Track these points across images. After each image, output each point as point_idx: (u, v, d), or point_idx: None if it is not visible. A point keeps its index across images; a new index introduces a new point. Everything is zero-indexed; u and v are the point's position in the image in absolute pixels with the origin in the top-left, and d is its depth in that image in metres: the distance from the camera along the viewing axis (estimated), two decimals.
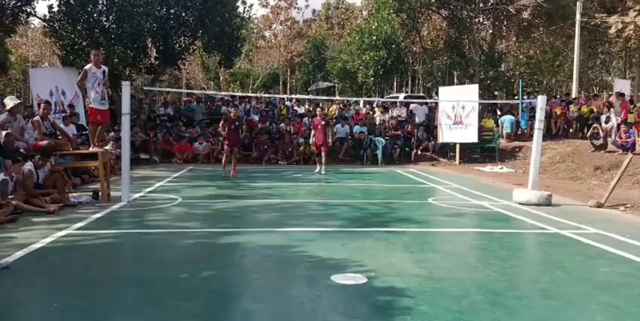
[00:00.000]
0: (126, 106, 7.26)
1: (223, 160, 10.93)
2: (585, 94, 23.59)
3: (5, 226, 5.40)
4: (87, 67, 7.41)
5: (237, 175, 10.63)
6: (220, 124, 11.10)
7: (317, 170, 11.72)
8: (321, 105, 19.53)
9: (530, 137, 13.88)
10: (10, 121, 7.50)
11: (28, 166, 6.63)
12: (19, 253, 4.33)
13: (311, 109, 17.39)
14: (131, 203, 7.08)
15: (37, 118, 7.82)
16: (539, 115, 7.93)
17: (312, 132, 12.20)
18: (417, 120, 16.65)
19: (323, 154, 11.78)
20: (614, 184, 7.61)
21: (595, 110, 15.16)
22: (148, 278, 3.81)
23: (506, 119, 16.00)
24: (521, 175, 11.82)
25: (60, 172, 7.24)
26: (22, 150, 7.39)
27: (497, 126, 15.70)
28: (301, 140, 14.82)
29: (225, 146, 10.99)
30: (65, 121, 10.48)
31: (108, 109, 7.63)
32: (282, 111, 18.15)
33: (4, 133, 7.26)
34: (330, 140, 12.02)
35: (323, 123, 11.77)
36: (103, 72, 7.40)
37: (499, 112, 17.40)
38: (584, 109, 15.55)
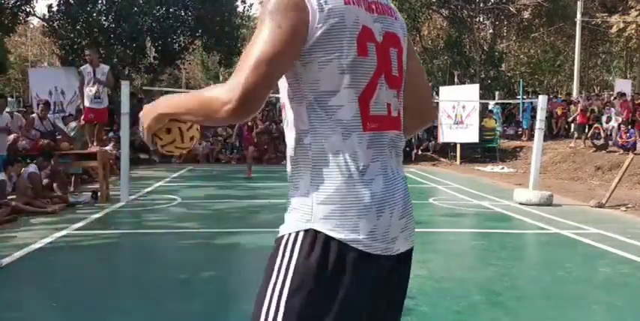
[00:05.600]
0: (125, 106, 7.24)
1: (248, 162, 10.70)
2: (586, 94, 23.55)
3: (4, 227, 5.39)
4: (82, 68, 7.46)
5: (252, 176, 10.52)
6: (236, 126, 10.99)
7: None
8: None
9: (531, 137, 13.86)
10: None
11: (32, 168, 6.62)
12: (18, 254, 4.31)
13: None
14: (130, 203, 7.06)
15: (33, 115, 7.88)
16: (541, 115, 7.91)
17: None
18: None
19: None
20: (615, 184, 7.59)
21: (596, 110, 15.13)
22: (148, 278, 3.79)
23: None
24: (521, 175, 11.80)
25: (59, 173, 7.23)
26: (21, 150, 7.38)
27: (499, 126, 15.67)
28: None
29: (244, 149, 10.97)
30: (65, 121, 10.48)
31: (104, 108, 7.57)
32: None
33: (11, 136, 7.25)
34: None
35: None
36: (103, 71, 7.36)
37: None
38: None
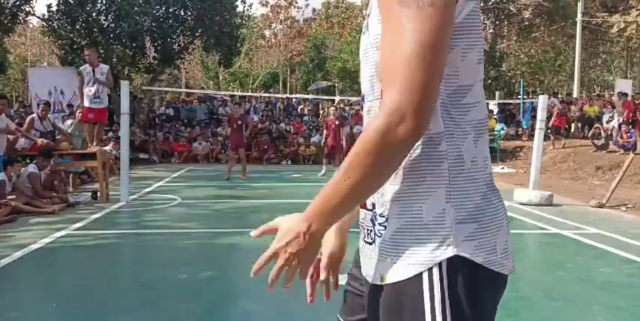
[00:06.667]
0: (125, 106, 7.24)
1: (228, 165, 10.35)
2: (587, 94, 23.54)
3: (4, 227, 5.38)
4: (81, 68, 7.49)
5: (247, 177, 10.17)
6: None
7: (322, 173, 10.83)
8: (320, 105, 19.42)
9: (531, 137, 13.85)
10: None
11: (31, 168, 6.61)
12: (18, 254, 4.30)
13: (310, 108, 17.33)
14: (130, 203, 7.05)
15: (33, 115, 7.92)
16: (541, 115, 7.91)
17: (325, 132, 11.32)
18: None
19: (337, 155, 10.88)
20: (615, 184, 7.57)
21: (597, 110, 15.12)
22: (147, 279, 3.79)
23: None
24: (522, 175, 11.79)
25: (59, 173, 7.23)
26: (20, 149, 7.38)
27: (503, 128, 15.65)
28: (301, 140, 14.79)
29: (230, 151, 10.44)
30: (63, 120, 10.48)
31: (104, 107, 7.56)
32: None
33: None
34: (343, 143, 10.96)
35: (337, 123, 10.91)
36: (102, 71, 7.34)
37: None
38: (588, 109, 15.44)
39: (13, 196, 6.37)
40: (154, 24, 15.29)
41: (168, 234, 5.31)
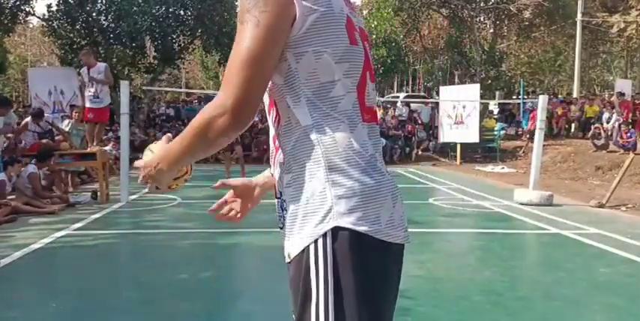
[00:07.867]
0: (125, 106, 7.23)
1: (225, 165, 10.32)
2: (587, 94, 23.54)
3: (4, 227, 5.38)
4: (80, 70, 7.51)
5: (246, 176, 10.19)
6: None
7: None
8: None
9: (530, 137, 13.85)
10: None
11: (31, 168, 6.61)
12: (18, 254, 4.30)
13: None
14: (130, 203, 7.06)
15: (28, 119, 7.96)
16: (541, 115, 7.91)
17: None
18: (423, 119, 16.57)
19: None
20: (615, 184, 7.57)
21: (597, 110, 15.12)
22: (147, 279, 3.79)
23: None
24: (522, 175, 11.79)
25: (59, 173, 7.22)
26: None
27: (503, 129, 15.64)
28: None
29: (225, 151, 10.55)
30: (63, 120, 10.48)
31: (104, 107, 7.52)
32: None
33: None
34: None
35: None
36: (99, 70, 7.25)
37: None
38: (589, 109, 15.43)
39: (13, 196, 6.38)
40: (153, 24, 15.29)
41: (168, 234, 5.31)
